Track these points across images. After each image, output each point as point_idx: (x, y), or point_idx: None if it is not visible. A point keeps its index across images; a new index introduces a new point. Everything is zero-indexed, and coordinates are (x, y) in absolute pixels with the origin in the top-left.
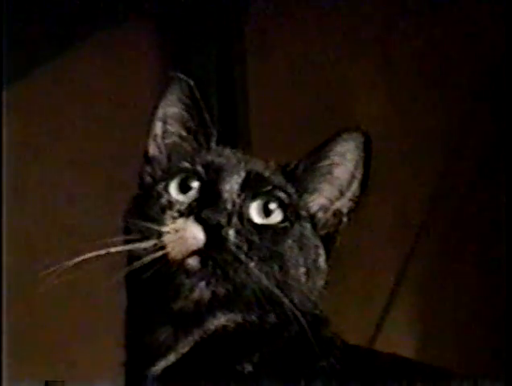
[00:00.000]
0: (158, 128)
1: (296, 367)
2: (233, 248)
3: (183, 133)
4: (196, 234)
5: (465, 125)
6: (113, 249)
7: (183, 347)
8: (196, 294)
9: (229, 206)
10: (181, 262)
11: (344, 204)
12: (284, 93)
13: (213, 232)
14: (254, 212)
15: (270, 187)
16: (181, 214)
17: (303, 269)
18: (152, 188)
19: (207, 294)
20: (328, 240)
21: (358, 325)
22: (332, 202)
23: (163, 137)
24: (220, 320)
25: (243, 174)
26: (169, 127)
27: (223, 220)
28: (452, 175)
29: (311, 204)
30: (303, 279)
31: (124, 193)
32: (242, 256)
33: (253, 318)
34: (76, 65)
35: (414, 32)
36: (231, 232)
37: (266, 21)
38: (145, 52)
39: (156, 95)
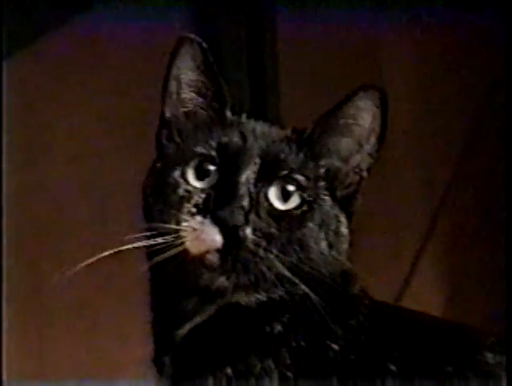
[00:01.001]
0: (173, 87)
1: (325, 326)
2: (252, 245)
3: (199, 99)
4: (213, 236)
5: (492, 87)
6: (132, 245)
7: (210, 311)
8: (217, 285)
9: (245, 202)
10: (200, 257)
11: (363, 159)
12: (315, 60)
13: (230, 233)
14: (273, 197)
15: (287, 172)
16: (199, 210)
17: (324, 243)
18: (169, 173)
19: (228, 284)
20: (348, 201)
21: (385, 281)
22: (351, 158)
23: (179, 101)
24: (244, 298)
25: (258, 160)
26: (184, 92)
27: (240, 220)
28: (478, 138)
29: (329, 166)
30: (325, 251)
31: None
32: (261, 252)
33: (280, 293)
34: (98, 22)
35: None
36: (248, 231)
37: None
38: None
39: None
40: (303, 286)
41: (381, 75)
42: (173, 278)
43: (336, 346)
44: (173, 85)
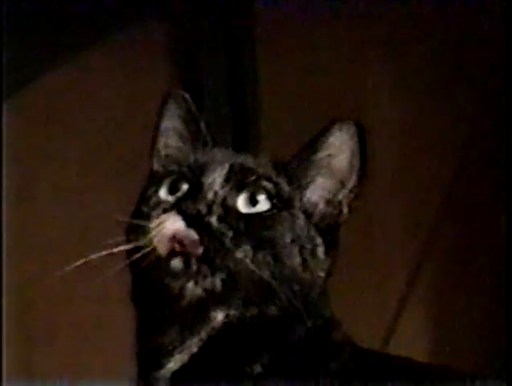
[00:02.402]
0: (159, 143)
1: (306, 369)
2: (217, 233)
3: (180, 144)
4: (176, 223)
5: (476, 123)
6: (103, 253)
7: (191, 348)
8: (188, 294)
9: (209, 196)
10: (166, 263)
11: (343, 195)
12: (295, 97)
13: (193, 221)
14: (241, 203)
15: (254, 177)
16: (165, 210)
17: (298, 259)
18: (145, 193)
19: (200, 292)
20: (328, 232)
21: (370, 327)
22: (330, 193)
23: (163, 150)
24: (220, 317)
25: (227, 166)
26: (168, 140)
27: (203, 209)
28: (465, 176)
29: (307, 196)
30: (299, 269)
31: (134, 196)
32: (227, 242)
33: (253, 311)
34: (86, 68)
35: (424, 29)
36: (213, 219)
37: (274, 22)
38: (155, 55)
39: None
40: (282, 295)
41: (366, 107)
42: (150, 292)
43: None
44: (159, 141)
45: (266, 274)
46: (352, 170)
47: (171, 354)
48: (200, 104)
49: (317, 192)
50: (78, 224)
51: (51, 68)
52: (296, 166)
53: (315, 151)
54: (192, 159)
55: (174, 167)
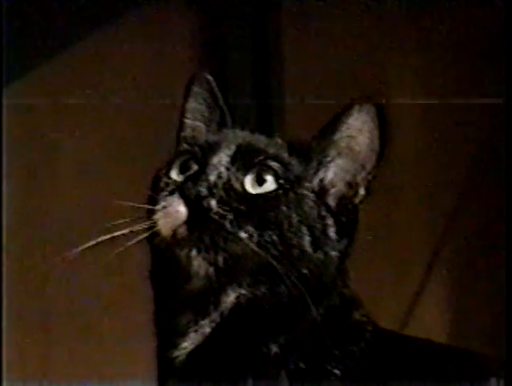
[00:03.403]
0: (183, 124)
1: (324, 350)
2: (216, 216)
3: (201, 125)
4: (177, 207)
5: (502, 112)
6: (113, 234)
7: (205, 329)
8: (194, 267)
9: (212, 177)
10: (172, 234)
11: (361, 176)
12: (319, 78)
13: (194, 204)
14: (248, 183)
15: (262, 157)
16: (171, 192)
17: (307, 238)
18: (158, 173)
19: (204, 265)
20: (342, 212)
21: (390, 307)
22: (348, 174)
23: (185, 131)
24: (232, 297)
25: (234, 146)
26: (190, 121)
27: (204, 191)
28: (483, 163)
29: (324, 176)
30: (309, 249)
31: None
32: (227, 224)
33: (263, 291)
34: (108, 44)
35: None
36: (213, 202)
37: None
38: (179, 32)
39: (189, 73)
40: (281, 270)
41: (387, 87)
42: (164, 268)
43: (337, 371)
44: (185, 123)
45: (269, 255)
46: (371, 151)
47: (185, 335)
48: (224, 84)
49: (335, 172)
50: (97, 203)
51: (73, 42)
52: (315, 146)
53: (334, 132)
54: (204, 139)
55: (186, 147)
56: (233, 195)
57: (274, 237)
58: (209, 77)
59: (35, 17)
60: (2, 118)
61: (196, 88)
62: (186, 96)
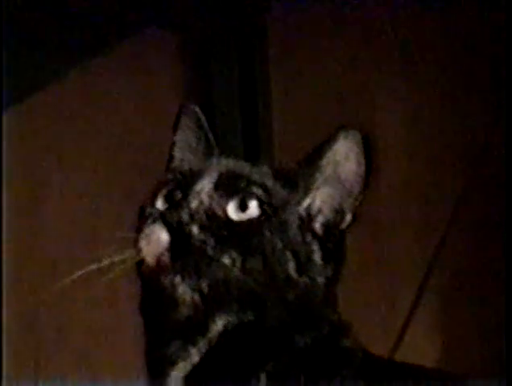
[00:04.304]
0: (172, 155)
1: (314, 377)
2: (198, 242)
3: (189, 156)
4: (159, 235)
5: (490, 131)
6: (99, 264)
7: (194, 358)
8: (180, 294)
9: (193, 204)
10: (156, 263)
11: (348, 203)
12: (307, 104)
13: (176, 230)
14: (232, 210)
15: (244, 184)
16: (154, 220)
17: (292, 264)
18: (144, 203)
19: (189, 292)
20: (328, 238)
21: (380, 332)
22: (334, 201)
23: (173, 162)
24: (219, 324)
25: (216, 174)
26: (178, 153)
27: (185, 217)
28: (475, 187)
29: (310, 203)
30: (294, 274)
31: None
32: (209, 250)
33: (250, 317)
34: (95, 75)
35: (437, 36)
36: (194, 228)
37: (286, 32)
38: (166, 63)
39: (178, 103)
40: (265, 296)
41: (375, 115)
42: (150, 297)
43: None
44: (173, 154)
45: (253, 281)
46: (357, 177)
47: (175, 363)
48: (210, 113)
49: (322, 199)
50: (86, 231)
51: (60, 75)
52: (301, 172)
53: (320, 158)
54: (188, 168)
55: (170, 176)
56: (215, 221)
57: (258, 263)
58: (196, 107)
59: (18, 49)
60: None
61: (183, 120)
62: (175, 128)
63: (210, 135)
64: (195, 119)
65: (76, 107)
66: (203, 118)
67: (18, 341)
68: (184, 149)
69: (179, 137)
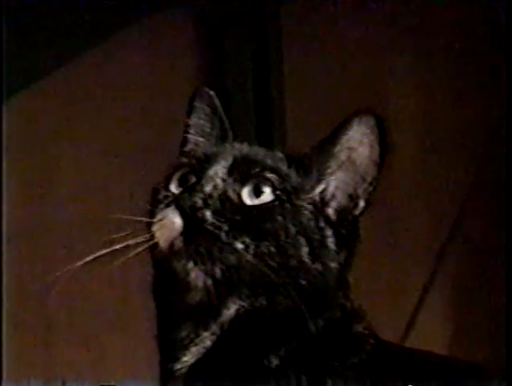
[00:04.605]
0: (185, 139)
1: (325, 362)
2: (211, 227)
3: (202, 140)
4: (173, 219)
5: (502, 122)
6: (113, 247)
7: (205, 342)
8: (192, 278)
9: (207, 189)
10: (169, 246)
11: (362, 188)
12: (320, 89)
13: (189, 215)
14: (246, 195)
15: (259, 169)
16: (168, 204)
17: (305, 249)
18: (156, 186)
19: (202, 277)
20: (342, 224)
21: (390, 319)
22: (349, 186)
23: (187, 146)
24: (231, 309)
25: (230, 158)
26: (192, 136)
27: (199, 202)
28: (486, 173)
29: (324, 188)
30: (307, 260)
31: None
32: (223, 235)
33: (263, 302)
34: (111, 55)
35: (452, 25)
36: (208, 213)
37: (300, 15)
38: (179, 45)
39: (192, 87)
40: (277, 281)
41: (388, 101)
42: (164, 281)
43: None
44: (186, 137)
45: (266, 266)
46: (371, 163)
47: (186, 348)
48: (224, 97)
49: (336, 184)
50: (97, 214)
51: (74, 56)
52: (315, 158)
53: (334, 144)
54: (202, 152)
55: (185, 160)
56: (229, 206)
57: (271, 248)
58: (210, 92)
59: (33, 30)
60: (1, 130)
61: (197, 104)
62: (189, 112)
63: (224, 119)
64: (209, 103)
65: (89, 89)
66: (217, 102)
67: (28, 324)
68: (198, 132)
69: (193, 120)
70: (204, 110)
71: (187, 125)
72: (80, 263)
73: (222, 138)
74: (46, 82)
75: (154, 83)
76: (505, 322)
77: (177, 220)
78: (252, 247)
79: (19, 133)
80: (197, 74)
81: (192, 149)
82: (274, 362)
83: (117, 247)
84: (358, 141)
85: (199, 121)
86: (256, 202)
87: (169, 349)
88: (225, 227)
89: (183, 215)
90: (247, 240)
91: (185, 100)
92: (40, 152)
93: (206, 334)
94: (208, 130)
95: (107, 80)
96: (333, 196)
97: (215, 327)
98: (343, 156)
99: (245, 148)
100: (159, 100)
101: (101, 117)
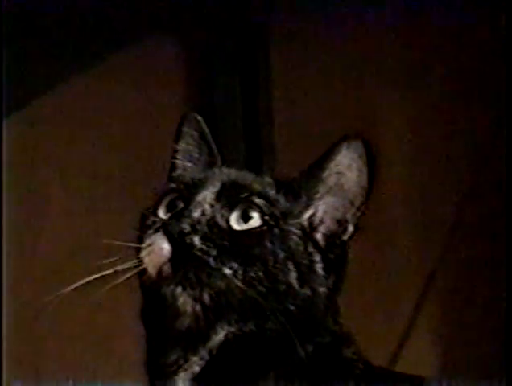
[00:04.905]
0: (173, 164)
1: None
2: (199, 253)
3: (188, 164)
4: (161, 245)
5: (488, 148)
6: (98, 274)
7: (194, 367)
8: (181, 304)
9: (195, 214)
10: (157, 273)
11: (350, 213)
12: (309, 113)
13: (177, 241)
14: (234, 220)
15: (247, 194)
16: (156, 230)
17: (294, 274)
18: (145, 212)
19: (190, 302)
20: (330, 249)
21: (381, 342)
22: (337, 211)
23: (175, 171)
24: (220, 334)
25: (218, 184)
26: (180, 162)
27: (187, 228)
28: (474, 197)
29: (312, 213)
30: (296, 285)
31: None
32: (211, 261)
33: (251, 327)
34: (100, 80)
35: (440, 54)
36: (196, 238)
37: (288, 39)
38: (167, 70)
39: (180, 112)
40: (267, 306)
41: (376, 125)
42: (152, 306)
43: None
44: (174, 163)
45: (254, 292)
46: (360, 188)
47: (175, 373)
48: (212, 123)
49: (324, 209)
50: (87, 239)
51: (62, 81)
52: (304, 182)
53: (323, 169)
54: (190, 177)
55: (173, 185)
56: (217, 232)
57: (260, 273)
58: (199, 117)
59: (20, 55)
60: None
61: (185, 129)
62: (177, 137)
63: (213, 145)
64: (197, 128)
65: (77, 114)
66: (205, 128)
67: (18, 348)
68: (186, 158)
69: (181, 146)
70: (193, 136)
71: (176, 151)
72: (69, 288)
73: (210, 164)
74: (33, 107)
75: (142, 108)
76: (495, 342)
77: (165, 246)
78: (240, 272)
79: (8, 157)
80: (185, 99)
81: (181, 174)
82: None
83: (106, 273)
84: (347, 166)
85: (187, 146)
86: (244, 227)
87: (158, 375)
88: (214, 253)
89: (171, 240)
90: (235, 266)
91: (174, 126)
92: (29, 176)
93: (195, 359)
94: (197, 155)
95: (95, 104)
96: (322, 221)
97: (204, 352)
98: (331, 181)
99: (233, 173)
100: (148, 125)
101: (90, 142)
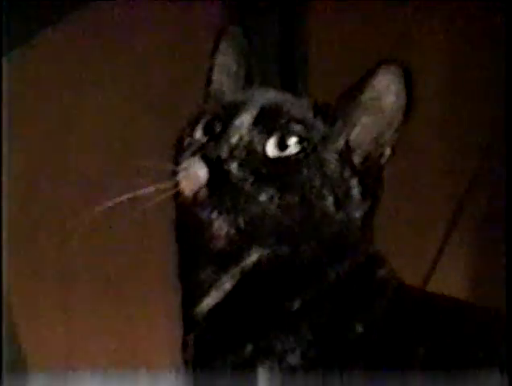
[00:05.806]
0: (210, 80)
1: (347, 306)
2: (236, 179)
3: (227, 81)
4: (198, 170)
5: None
6: (137, 192)
7: (226, 285)
8: (216, 228)
9: (233, 140)
10: (193, 196)
11: (388, 136)
12: (344, 38)
13: (215, 167)
14: (270, 147)
15: (285, 120)
16: (193, 153)
17: (330, 199)
18: (182, 133)
19: (225, 227)
20: (367, 173)
21: (413, 263)
22: (375, 134)
23: (212, 87)
24: (253, 256)
25: (257, 108)
26: (217, 77)
27: (224, 154)
28: (508, 123)
29: (351, 137)
30: (331, 210)
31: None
32: (247, 187)
33: (285, 250)
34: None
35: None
36: (234, 165)
37: None
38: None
39: (215, 29)
40: (300, 233)
41: (412, 49)
42: (185, 232)
43: (360, 328)
44: (212, 78)
45: (289, 219)
46: (397, 110)
47: (207, 290)
48: (251, 40)
49: (362, 132)
50: (122, 162)
51: (79, 7)
52: (342, 106)
53: (361, 92)
54: (229, 98)
55: (211, 106)
56: (254, 158)
57: (296, 200)
58: (238, 30)
59: None
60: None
61: (224, 43)
62: (214, 51)
63: (252, 61)
64: (236, 43)
65: (111, 29)
66: (245, 41)
67: (47, 270)
68: (224, 73)
69: (218, 60)
70: (231, 49)
71: (213, 65)
72: (104, 206)
73: (248, 81)
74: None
75: (179, 21)
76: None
77: (203, 172)
78: (276, 199)
79: (35, 80)
80: (224, 15)
81: (218, 89)
82: (296, 305)
83: (143, 191)
84: (385, 89)
85: (225, 60)
86: (281, 154)
87: (190, 291)
88: (250, 180)
89: (209, 166)
90: (272, 193)
91: (211, 43)
92: (59, 98)
93: (227, 277)
94: (235, 70)
95: (130, 18)
96: (359, 144)
97: (236, 271)
98: (369, 104)
99: (272, 95)
100: (184, 39)
101: (124, 59)
